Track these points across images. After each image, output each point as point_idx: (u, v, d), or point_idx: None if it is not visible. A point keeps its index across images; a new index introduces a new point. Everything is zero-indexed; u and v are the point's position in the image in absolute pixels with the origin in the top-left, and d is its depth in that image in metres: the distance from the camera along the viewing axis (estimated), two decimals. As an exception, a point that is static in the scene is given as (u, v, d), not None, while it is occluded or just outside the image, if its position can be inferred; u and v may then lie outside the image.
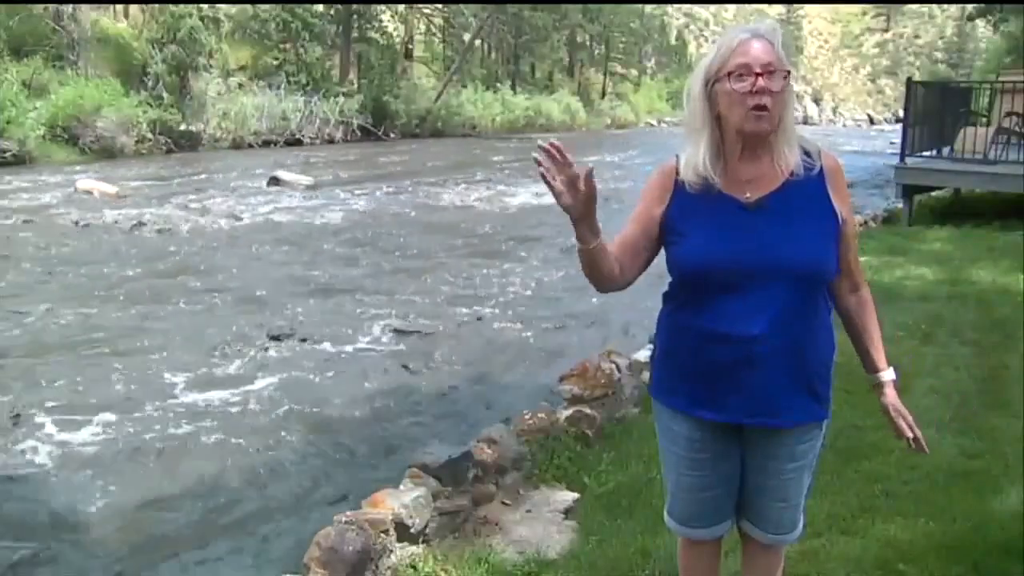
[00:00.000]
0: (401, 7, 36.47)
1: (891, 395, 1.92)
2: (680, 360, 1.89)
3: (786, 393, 1.80)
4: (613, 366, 4.51)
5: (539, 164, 1.64)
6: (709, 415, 1.86)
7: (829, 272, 1.80)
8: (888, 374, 1.92)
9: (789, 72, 1.74)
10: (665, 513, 2.08)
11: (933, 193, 11.89)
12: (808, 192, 1.78)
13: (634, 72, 60.05)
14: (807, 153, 1.80)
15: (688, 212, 1.82)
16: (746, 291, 1.75)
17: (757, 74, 1.70)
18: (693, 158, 1.81)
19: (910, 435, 1.91)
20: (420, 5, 38.20)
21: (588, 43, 53.47)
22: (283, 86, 28.03)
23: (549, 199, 1.67)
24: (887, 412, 1.92)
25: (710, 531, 2.02)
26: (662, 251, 1.91)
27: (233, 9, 30.82)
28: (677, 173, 1.84)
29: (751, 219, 1.77)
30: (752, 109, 1.71)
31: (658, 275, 1.95)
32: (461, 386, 5.75)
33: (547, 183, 1.64)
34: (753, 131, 1.73)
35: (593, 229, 1.71)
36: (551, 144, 1.64)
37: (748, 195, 1.79)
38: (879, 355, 1.92)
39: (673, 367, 1.91)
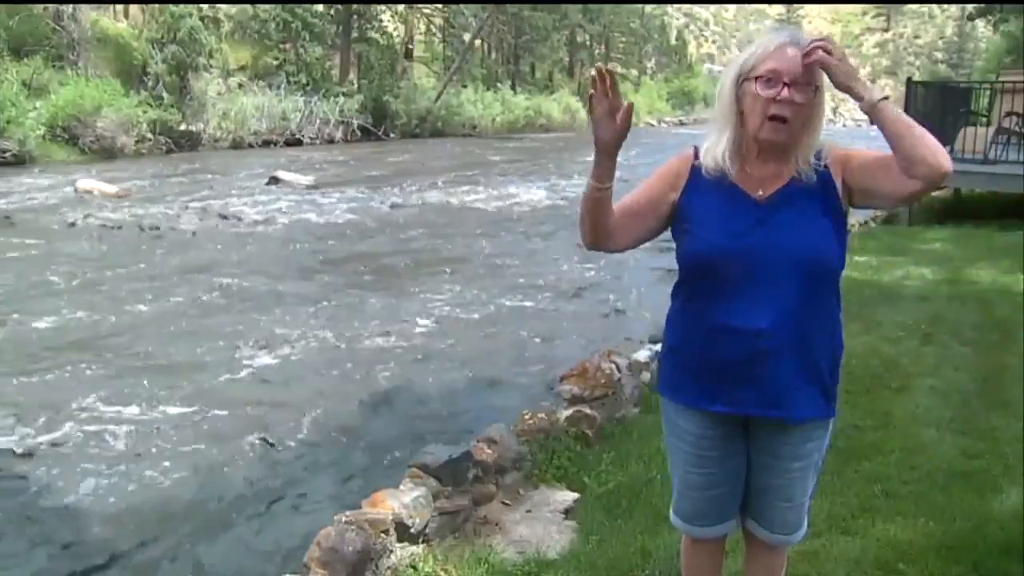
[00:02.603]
0: (401, 7, 36.45)
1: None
2: (688, 354, 1.89)
3: (795, 387, 1.80)
4: (613, 366, 4.51)
5: (593, 86, 1.70)
6: (717, 408, 1.86)
7: (837, 267, 1.81)
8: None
9: (819, 86, 1.73)
10: (671, 511, 2.09)
11: (933, 193, 11.86)
12: (817, 188, 1.79)
13: (634, 72, 60.03)
14: (817, 153, 1.81)
15: (701, 203, 1.84)
16: (754, 285, 1.76)
17: (785, 83, 1.70)
18: (714, 147, 1.83)
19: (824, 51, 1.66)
20: (420, 5, 38.18)
21: (588, 43, 53.48)
22: (283, 86, 28.00)
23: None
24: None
25: (715, 529, 2.02)
26: (671, 246, 1.92)
27: (233, 9, 30.80)
28: (695, 161, 1.86)
29: (762, 214, 1.79)
30: (770, 118, 1.71)
31: (666, 272, 1.96)
32: (461, 386, 5.75)
33: (591, 105, 1.71)
34: (767, 139, 1.75)
35: (611, 170, 1.78)
36: (608, 71, 1.69)
37: (761, 192, 1.80)
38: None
39: (681, 362, 1.92)
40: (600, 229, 1.85)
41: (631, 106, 1.70)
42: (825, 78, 1.72)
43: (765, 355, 1.77)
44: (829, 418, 1.89)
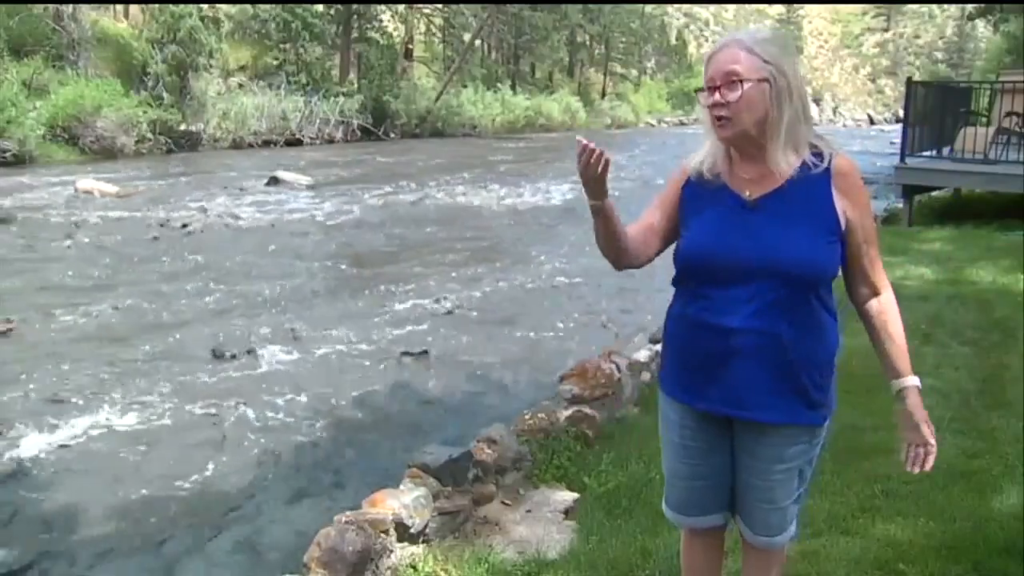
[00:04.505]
0: (401, 7, 36.45)
1: (913, 401, 1.85)
2: (675, 347, 1.95)
3: (764, 389, 1.80)
4: (613, 366, 4.51)
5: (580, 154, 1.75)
6: (693, 402, 1.90)
7: (820, 273, 1.79)
8: (911, 379, 1.85)
9: (763, 79, 1.73)
10: (663, 500, 2.12)
11: (933, 193, 11.88)
12: (810, 192, 1.79)
13: (634, 72, 60.04)
14: (818, 153, 1.80)
15: (694, 207, 1.90)
16: (735, 285, 1.79)
17: (716, 87, 1.76)
18: (699, 157, 1.90)
19: (922, 449, 1.87)
20: (420, 5, 38.19)
21: (588, 43, 53.46)
22: (283, 86, 28.01)
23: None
24: (907, 418, 1.86)
25: (701, 520, 2.04)
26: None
27: (233, 9, 30.85)
28: (690, 170, 1.93)
29: (749, 217, 1.81)
30: (716, 119, 1.78)
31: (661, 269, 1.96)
32: (461, 386, 5.75)
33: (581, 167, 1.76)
34: (721, 139, 1.82)
35: (603, 189, 1.79)
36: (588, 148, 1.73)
37: (749, 193, 1.82)
38: (901, 361, 1.86)
39: (670, 354, 1.98)
40: (612, 244, 1.88)
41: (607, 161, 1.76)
42: (776, 69, 1.74)
43: (734, 354, 1.79)
44: (814, 425, 1.87)
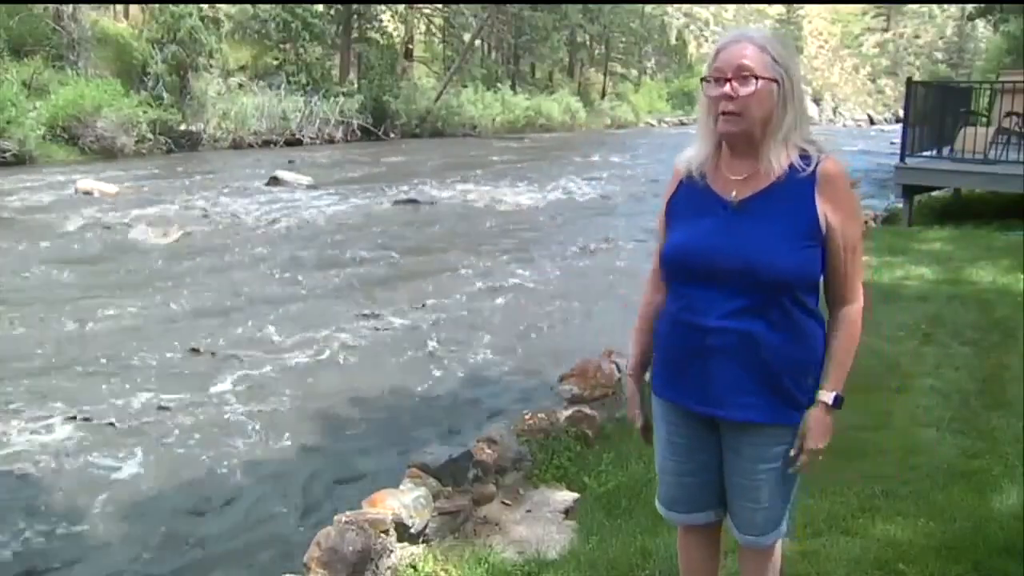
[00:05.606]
0: (401, 7, 36.44)
1: (818, 414, 1.82)
2: (661, 345, 1.98)
3: (743, 389, 1.81)
4: (613, 366, 4.52)
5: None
6: (677, 399, 1.93)
7: (795, 277, 1.77)
8: (829, 396, 1.82)
9: (773, 79, 1.74)
10: (656, 497, 2.13)
11: (933, 193, 11.88)
12: (793, 195, 1.78)
13: (634, 72, 60.01)
14: (805, 156, 1.79)
15: (682, 207, 1.92)
16: (712, 285, 1.81)
17: (727, 79, 1.75)
18: (689, 155, 1.91)
19: (803, 455, 1.83)
20: (420, 5, 38.17)
21: (588, 43, 53.42)
22: (283, 86, 27.99)
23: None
24: (805, 423, 1.83)
25: (691, 516, 2.05)
26: None
27: (233, 9, 30.81)
28: (681, 172, 1.94)
29: (731, 218, 1.82)
30: (722, 113, 1.77)
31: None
32: (462, 386, 5.75)
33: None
34: (723, 133, 1.81)
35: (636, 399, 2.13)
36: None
37: (734, 194, 1.83)
38: (836, 374, 1.83)
39: (656, 351, 2.01)
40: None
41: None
42: (785, 71, 1.76)
43: (712, 353, 1.81)
44: (799, 425, 1.85)
